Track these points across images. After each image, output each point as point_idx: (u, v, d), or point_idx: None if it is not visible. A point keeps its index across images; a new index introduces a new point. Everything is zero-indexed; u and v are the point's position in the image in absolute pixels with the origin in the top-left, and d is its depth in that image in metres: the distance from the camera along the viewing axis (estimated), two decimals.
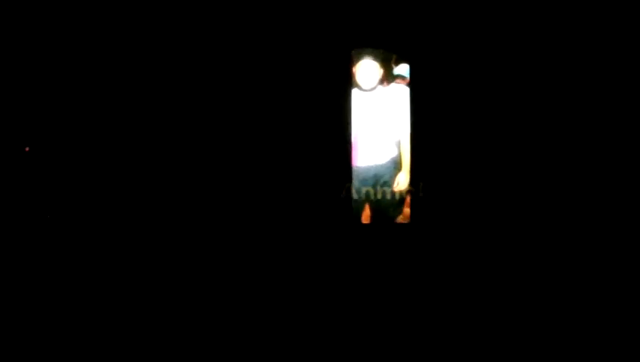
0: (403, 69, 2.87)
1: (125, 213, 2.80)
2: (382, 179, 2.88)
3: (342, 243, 2.84)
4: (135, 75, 2.81)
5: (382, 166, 2.88)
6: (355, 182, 2.85)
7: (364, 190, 2.86)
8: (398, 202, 2.87)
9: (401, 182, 2.87)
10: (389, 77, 2.88)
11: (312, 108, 2.83)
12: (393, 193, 2.87)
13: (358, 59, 2.85)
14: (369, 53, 2.85)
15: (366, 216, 2.88)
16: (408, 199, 2.87)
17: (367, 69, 2.86)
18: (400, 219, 2.88)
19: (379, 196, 2.86)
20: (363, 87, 2.86)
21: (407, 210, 2.88)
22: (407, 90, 2.87)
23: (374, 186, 2.87)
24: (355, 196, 2.84)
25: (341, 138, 2.85)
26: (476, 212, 2.89)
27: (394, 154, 2.88)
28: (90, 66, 2.79)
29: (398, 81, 2.88)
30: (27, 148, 2.70)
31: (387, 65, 2.87)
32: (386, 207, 2.87)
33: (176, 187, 2.84)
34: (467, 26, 2.86)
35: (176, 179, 2.84)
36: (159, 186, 2.83)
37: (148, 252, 2.79)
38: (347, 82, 2.85)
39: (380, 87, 2.87)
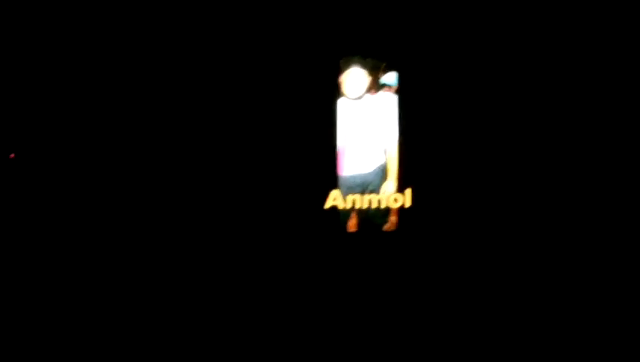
0: (391, 78, 2.88)
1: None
2: (369, 187, 2.87)
3: (328, 251, 2.83)
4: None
5: (369, 174, 2.88)
6: (342, 190, 2.85)
7: (351, 198, 2.85)
8: (385, 210, 2.87)
9: (388, 190, 2.87)
10: (376, 85, 2.88)
11: (300, 117, 2.83)
12: (380, 201, 2.86)
13: (346, 67, 2.86)
14: (357, 62, 2.86)
15: (353, 225, 2.87)
16: (395, 207, 2.86)
17: (355, 78, 2.86)
18: (387, 227, 2.87)
19: (366, 204, 2.86)
20: (351, 95, 2.87)
21: (394, 218, 2.87)
22: (394, 99, 2.87)
23: (361, 194, 2.87)
24: (341, 204, 2.84)
25: (328, 146, 2.85)
26: (464, 220, 2.88)
27: (381, 162, 2.88)
28: (72, 68, 2.79)
29: (385, 89, 2.88)
30: (12, 155, 2.70)
31: (375, 74, 2.88)
32: (372, 215, 2.87)
33: (164, 192, 2.83)
34: (455, 35, 2.87)
35: (164, 183, 2.83)
36: (146, 196, 2.82)
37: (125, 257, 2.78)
38: (335, 90, 2.85)
39: (367, 95, 2.88)
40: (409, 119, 2.87)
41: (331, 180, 2.85)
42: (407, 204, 2.85)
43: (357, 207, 2.86)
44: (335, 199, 2.84)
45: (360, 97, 2.87)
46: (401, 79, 2.87)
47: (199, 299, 2.73)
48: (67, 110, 2.83)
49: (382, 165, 2.88)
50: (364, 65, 2.86)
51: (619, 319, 2.69)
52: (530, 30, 2.83)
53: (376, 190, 2.87)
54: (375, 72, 2.88)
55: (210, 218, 2.78)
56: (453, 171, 2.87)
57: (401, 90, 2.87)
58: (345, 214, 2.86)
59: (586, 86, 2.84)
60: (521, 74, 2.85)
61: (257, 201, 2.81)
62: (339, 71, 2.86)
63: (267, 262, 2.80)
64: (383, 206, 2.86)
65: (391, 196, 2.86)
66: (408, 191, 2.85)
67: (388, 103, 2.87)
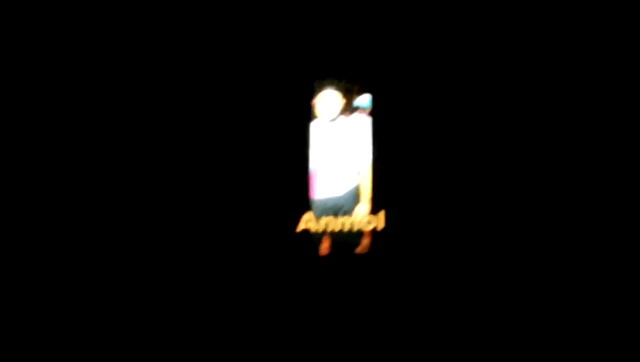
0: (364, 100, 2.87)
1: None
2: (342, 209, 2.86)
3: (301, 275, 2.81)
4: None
5: (342, 197, 2.87)
6: (315, 213, 2.83)
7: (323, 221, 2.83)
8: (358, 233, 2.86)
9: (361, 213, 2.85)
10: (350, 107, 2.87)
11: (273, 138, 2.81)
12: (353, 224, 2.85)
13: (320, 89, 2.85)
14: (331, 84, 2.85)
15: (325, 248, 2.85)
16: (368, 230, 2.85)
17: (328, 100, 2.85)
18: (360, 249, 2.86)
19: (338, 227, 2.84)
20: (324, 117, 2.85)
21: (366, 241, 2.86)
22: (368, 121, 2.86)
23: (334, 217, 2.85)
24: (314, 227, 2.82)
25: (301, 169, 2.83)
26: (437, 242, 2.88)
27: (354, 184, 2.87)
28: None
29: (359, 111, 2.87)
30: None
31: (349, 96, 2.87)
32: (345, 237, 2.85)
33: (137, 218, 2.79)
34: (429, 57, 2.87)
35: (136, 209, 2.79)
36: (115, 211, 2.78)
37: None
38: (308, 112, 2.84)
39: (341, 117, 2.87)
40: (383, 141, 2.87)
41: (304, 203, 2.83)
42: (380, 226, 2.84)
43: (330, 229, 2.84)
44: (307, 222, 2.82)
45: (333, 119, 2.86)
46: (374, 101, 2.86)
47: (167, 324, 2.69)
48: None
49: (355, 187, 2.87)
50: (338, 88, 2.85)
51: (604, 328, 2.73)
52: (503, 55, 2.84)
53: (349, 212, 2.86)
54: (349, 94, 2.87)
55: (180, 242, 2.74)
56: (426, 194, 2.88)
57: (375, 113, 2.86)
58: (317, 237, 2.84)
59: (563, 111, 2.86)
60: (495, 97, 2.87)
61: (229, 224, 2.78)
62: (312, 93, 2.84)
63: (239, 285, 2.77)
64: (355, 228, 2.85)
65: (364, 219, 2.85)
66: (381, 214, 2.84)
67: (361, 125, 2.86)
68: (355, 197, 2.86)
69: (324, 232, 2.84)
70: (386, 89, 2.87)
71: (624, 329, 2.74)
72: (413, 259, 2.88)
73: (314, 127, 2.85)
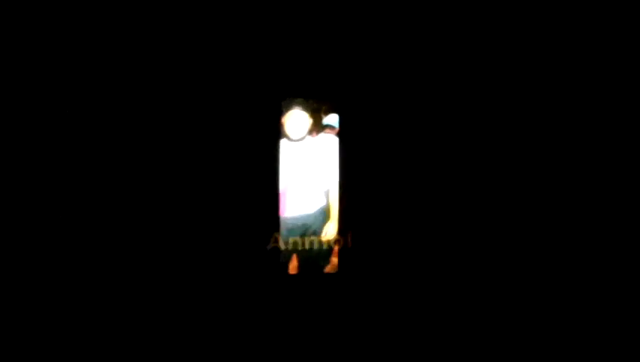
0: (332, 119, 2.89)
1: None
2: (310, 229, 2.87)
3: (269, 293, 2.80)
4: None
5: (310, 216, 2.88)
6: (283, 232, 2.83)
7: (292, 240, 2.84)
8: (327, 252, 2.87)
9: (330, 232, 2.87)
10: (318, 127, 2.89)
11: (241, 158, 2.80)
12: (321, 243, 2.86)
13: (288, 109, 2.86)
14: (299, 104, 2.86)
15: (294, 267, 2.86)
16: (337, 249, 2.87)
17: (296, 119, 2.86)
18: (328, 269, 2.88)
19: (307, 246, 2.85)
20: (292, 137, 2.86)
21: (335, 260, 2.88)
22: (336, 140, 2.88)
23: (302, 236, 2.86)
24: (282, 246, 2.82)
25: (269, 188, 2.83)
26: (405, 261, 2.92)
27: (322, 204, 2.89)
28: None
29: (327, 130, 2.89)
30: None
31: (317, 116, 2.89)
32: (314, 257, 2.86)
33: (104, 231, 2.72)
34: (396, 78, 2.92)
35: (102, 224, 2.73)
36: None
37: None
38: (277, 132, 2.84)
39: (309, 137, 2.88)
40: (350, 161, 2.89)
41: (273, 222, 2.82)
42: (349, 245, 2.86)
43: (298, 248, 2.85)
44: (276, 241, 2.82)
45: (302, 139, 2.87)
46: (342, 121, 2.89)
47: (135, 343, 2.64)
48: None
49: (323, 207, 2.89)
50: (306, 107, 2.87)
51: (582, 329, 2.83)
52: (467, 76, 2.92)
53: (317, 232, 2.87)
54: (317, 113, 2.89)
55: (149, 259, 2.69)
56: (394, 213, 2.91)
57: (343, 132, 2.89)
58: (286, 256, 2.84)
59: (534, 127, 2.96)
60: (462, 115, 2.94)
61: (199, 242, 2.75)
62: (281, 112, 2.85)
63: (207, 304, 2.74)
64: (324, 248, 2.86)
65: (332, 238, 2.86)
66: (349, 233, 2.86)
67: (329, 145, 2.89)
68: (323, 216, 2.88)
69: (292, 251, 2.85)
70: (353, 109, 2.90)
71: (616, 327, 2.86)
72: (381, 279, 2.91)
73: (283, 146, 2.85)
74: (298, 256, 2.86)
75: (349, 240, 2.87)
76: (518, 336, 2.86)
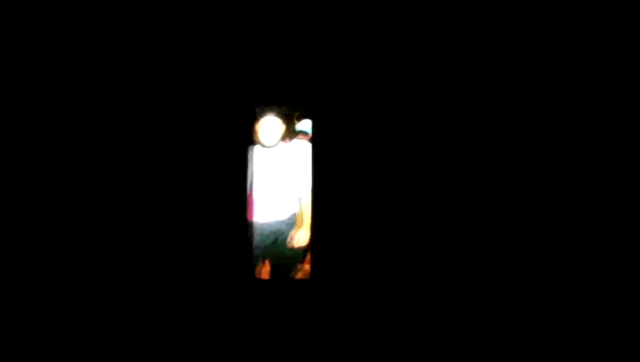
0: (305, 125, 2.89)
1: None
2: (282, 235, 2.88)
3: (239, 299, 2.84)
4: None
5: (282, 222, 2.89)
6: (255, 238, 2.86)
7: (263, 246, 2.86)
8: (298, 258, 2.87)
9: (302, 238, 2.87)
10: (291, 133, 2.90)
11: (214, 164, 2.85)
12: (293, 249, 2.87)
13: (261, 115, 2.88)
14: (272, 110, 2.88)
15: (265, 272, 2.88)
16: (308, 256, 2.86)
17: (269, 126, 2.89)
18: (299, 275, 2.87)
19: (279, 252, 2.86)
20: (265, 143, 2.89)
21: (307, 267, 2.87)
22: (309, 146, 2.88)
23: (274, 242, 2.88)
24: (254, 252, 2.85)
25: (241, 194, 2.86)
26: (377, 267, 2.87)
27: (295, 210, 2.89)
28: None
29: (300, 137, 2.89)
30: None
31: (290, 122, 2.90)
32: (285, 263, 2.87)
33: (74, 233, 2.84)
34: (369, 84, 2.87)
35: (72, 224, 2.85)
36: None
37: None
38: (250, 139, 2.88)
39: (281, 143, 2.89)
40: (323, 167, 2.87)
41: (244, 227, 2.86)
42: (320, 252, 2.84)
43: (270, 254, 2.87)
44: (248, 246, 2.85)
45: (274, 145, 2.89)
46: (315, 127, 2.88)
47: (101, 346, 2.75)
48: None
49: (295, 213, 2.89)
50: (279, 114, 2.88)
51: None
52: (440, 81, 2.83)
53: (289, 238, 2.88)
54: (290, 120, 2.90)
55: (117, 264, 2.80)
56: (366, 220, 2.87)
57: (315, 138, 2.88)
58: (257, 262, 2.87)
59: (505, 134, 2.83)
60: (435, 122, 2.85)
61: (168, 246, 2.83)
62: (254, 119, 2.88)
63: (177, 309, 2.81)
64: (296, 254, 2.86)
65: (304, 244, 2.86)
66: (321, 240, 2.85)
67: (302, 151, 2.88)
68: (295, 222, 2.88)
69: (264, 257, 2.87)
70: (326, 115, 2.88)
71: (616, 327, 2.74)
72: (352, 285, 2.87)
73: (255, 152, 2.88)
74: (270, 262, 2.88)
75: (321, 247, 2.85)
76: (492, 345, 2.74)
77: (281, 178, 2.90)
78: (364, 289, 2.85)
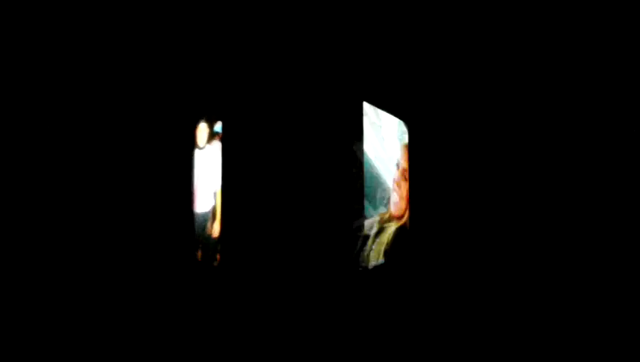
0: (218, 126, 3.16)
1: None
2: (206, 226, 3.26)
3: (180, 279, 3.37)
4: None
5: (206, 213, 3.26)
6: (196, 225, 3.34)
7: (199, 233, 3.32)
8: (214, 248, 3.19)
9: (215, 230, 3.18)
10: (212, 135, 3.22)
11: (165, 166, 3.46)
12: (210, 238, 3.21)
13: (198, 121, 3.33)
14: (204, 115, 3.29)
15: (200, 255, 3.32)
16: (219, 246, 3.15)
17: (201, 130, 3.30)
18: (215, 263, 3.19)
19: (205, 240, 3.26)
20: (199, 145, 3.32)
21: (218, 256, 3.16)
22: (219, 146, 3.15)
23: (203, 231, 3.29)
24: (195, 237, 3.34)
25: (186, 189, 3.39)
26: (280, 259, 2.91)
27: (212, 204, 3.21)
28: None
29: (217, 138, 3.19)
30: None
31: (212, 125, 3.23)
32: (208, 250, 3.25)
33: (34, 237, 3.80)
34: (274, 82, 2.93)
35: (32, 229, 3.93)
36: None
37: None
38: (191, 142, 3.37)
39: (207, 145, 3.26)
40: (232, 164, 3.08)
41: (189, 216, 3.38)
42: (228, 242, 3.10)
43: (201, 240, 3.30)
44: (190, 231, 3.37)
45: (203, 147, 3.28)
46: (224, 128, 3.12)
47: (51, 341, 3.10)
48: None
49: (213, 207, 3.21)
50: (207, 118, 3.26)
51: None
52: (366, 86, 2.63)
53: (209, 229, 3.23)
54: (211, 123, 3.22)
55: (70, 254, 3.72)
56: (273, 216, 2.94)
57: (225, 138, 3.11)
58: (196, 246, 3.35)
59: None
60: (338, 117, 2.70)
61: (120, 236, 3.48)
62: (196, 125, 3.35)
63: (122, 290, 3.54)
64: (212, 243, 3.20)
65: (216, 235, 3.17)
66: (229, 232, 3.09)
67: (217, 151, 3.18)
68: (212, 215, 3.21)
69: (199, 241, 3.32)
70: (234, 115, 3.07)
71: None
72: (258, 275, 2.99)
73: (195, 154, 3.35)
74: (201, 248, 3.31)
75: (229, 238, 3.09)
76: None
77: (205, 175, 3.27)
78: (268, 280, 2.94)
